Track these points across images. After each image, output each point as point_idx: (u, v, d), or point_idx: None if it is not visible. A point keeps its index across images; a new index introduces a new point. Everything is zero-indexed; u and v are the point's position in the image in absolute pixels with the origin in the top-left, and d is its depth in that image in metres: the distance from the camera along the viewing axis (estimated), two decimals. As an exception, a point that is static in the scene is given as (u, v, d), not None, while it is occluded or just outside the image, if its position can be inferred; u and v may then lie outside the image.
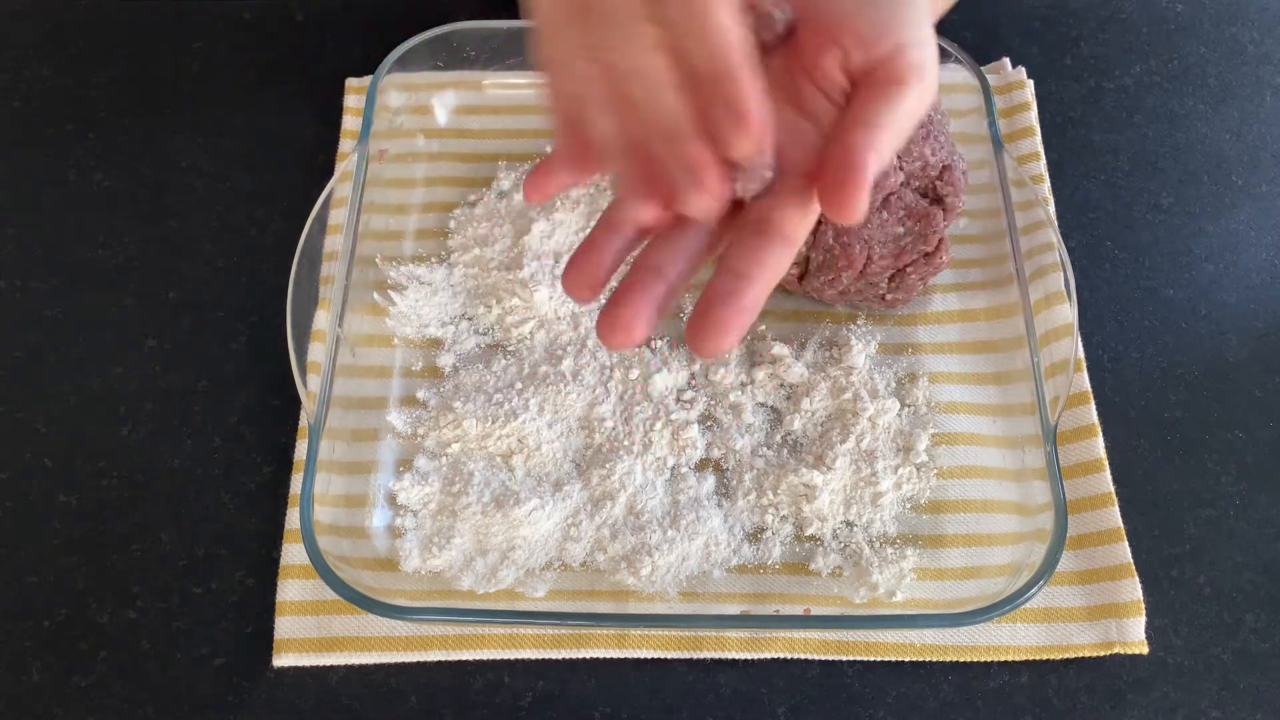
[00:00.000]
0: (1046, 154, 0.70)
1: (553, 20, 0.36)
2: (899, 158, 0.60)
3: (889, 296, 0.62)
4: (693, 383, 0.61)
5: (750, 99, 0.34)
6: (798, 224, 0.37)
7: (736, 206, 0.37)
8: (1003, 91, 0.72)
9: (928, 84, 0.37)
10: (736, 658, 0.54)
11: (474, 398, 0.60)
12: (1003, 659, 0.54)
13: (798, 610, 0.54)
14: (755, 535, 0.57)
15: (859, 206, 0.34)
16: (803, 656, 0.54)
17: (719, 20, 0.33)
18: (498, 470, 0.58)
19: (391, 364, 0.62)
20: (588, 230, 0.64)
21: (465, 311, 0.64)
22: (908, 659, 0.54)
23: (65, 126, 0.71)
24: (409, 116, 0.69)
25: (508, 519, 0.56)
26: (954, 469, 0.58)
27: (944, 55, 0.66)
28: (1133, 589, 0.55)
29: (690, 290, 0.64)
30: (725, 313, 0.35)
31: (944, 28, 0.72)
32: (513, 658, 0.54)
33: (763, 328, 0.63)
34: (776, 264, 0.36)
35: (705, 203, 0.35)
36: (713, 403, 0.60)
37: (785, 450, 0.59)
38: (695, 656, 0.54)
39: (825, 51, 0.38)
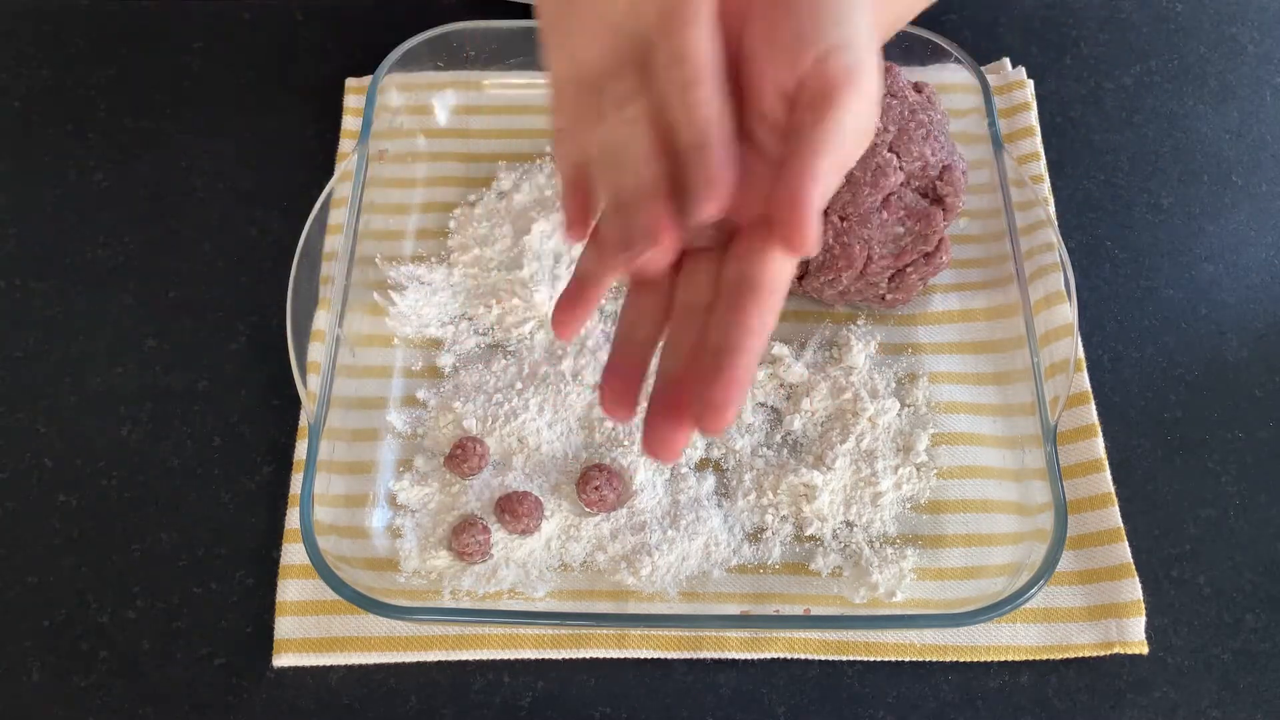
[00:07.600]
0: (1046, 154, 0.70)
1: (564, 93, 0.39)
2: (898, 157, 0.60)
3: (889, 296, 0.62)
4: (693, 383, 0.61)
5: (722, 169, 0.34)
6: (778, 271, 0.35)
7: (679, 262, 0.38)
8: (1003, 91, 0.71)
9: (864, 90, 0.34)
10: (736, 658, 0.54)
11: (474, 398, 0.60)
12: (1003, 659, 0.54)
13: (798, 610, 0.54)
14: (755, 535, 0.57)
15: (810, 239, 0.33)
16: (803, 656, 0.54)
17: (701, 94, 0.34)
18: (498, 470, 0.58)
19: (391, 364, 0.62)
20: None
21: (465, 311, 0.64)
22: (908, 659, 0.54)
23: (65, 126, 0.71)
24: (409, 116, 0.69)
25: (508, 519, 0.56)
26: (954, 469, 0.58)
27: (944, 55, 0.67)
28: (1133, 589, 0.55)
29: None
30: (717, 392, 0.34)
31: (944, 28, 0.73)
32: (513, 658, 0.54)
33: (763, 328, 0.63)
34: (764, 324, 0.35)
35: (658, 258, 0.36)
36: (713, 403, 0.60)
37: (785, 450, 0.59)
38: (695, 656, 0.54)
39: (763, 84, 0.35)
